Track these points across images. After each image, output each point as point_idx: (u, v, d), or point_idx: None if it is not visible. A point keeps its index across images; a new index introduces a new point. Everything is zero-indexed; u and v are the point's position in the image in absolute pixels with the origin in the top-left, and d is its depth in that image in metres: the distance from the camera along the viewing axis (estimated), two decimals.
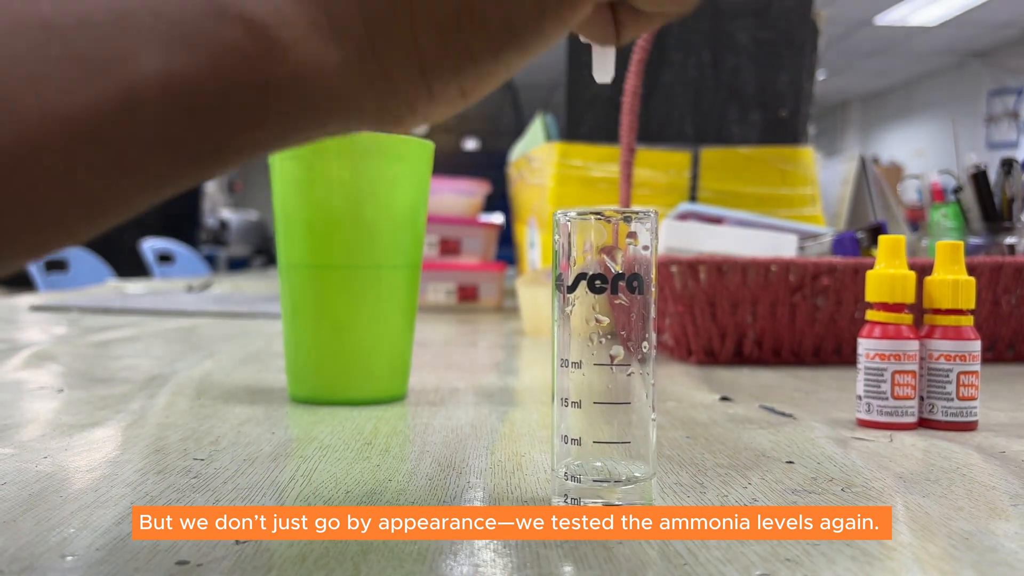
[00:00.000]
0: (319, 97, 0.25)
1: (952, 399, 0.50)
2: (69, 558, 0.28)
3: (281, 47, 0.24)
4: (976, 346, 0.51)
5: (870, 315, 0.52)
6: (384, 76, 0.25)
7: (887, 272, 0.51)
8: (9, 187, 0.22)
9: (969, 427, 0.50)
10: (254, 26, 0.24)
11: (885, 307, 0.51)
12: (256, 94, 0.24)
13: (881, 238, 0.52)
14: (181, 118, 0.23)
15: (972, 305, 0.51)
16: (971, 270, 0.78)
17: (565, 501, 0.33)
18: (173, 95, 0.23)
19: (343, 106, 0.26)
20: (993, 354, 0.82)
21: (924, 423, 0.51)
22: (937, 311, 0.51)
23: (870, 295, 0.52)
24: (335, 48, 0.25)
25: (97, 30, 0.23)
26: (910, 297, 0.51)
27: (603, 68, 0.32)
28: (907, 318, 0.51)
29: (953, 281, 0.51)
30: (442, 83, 0.26)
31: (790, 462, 0.42)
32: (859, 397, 0.51)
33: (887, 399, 0.50)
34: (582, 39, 0.32)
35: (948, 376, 0.50)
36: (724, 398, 0.61)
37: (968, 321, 0.51)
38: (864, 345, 0.51)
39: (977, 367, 0.50)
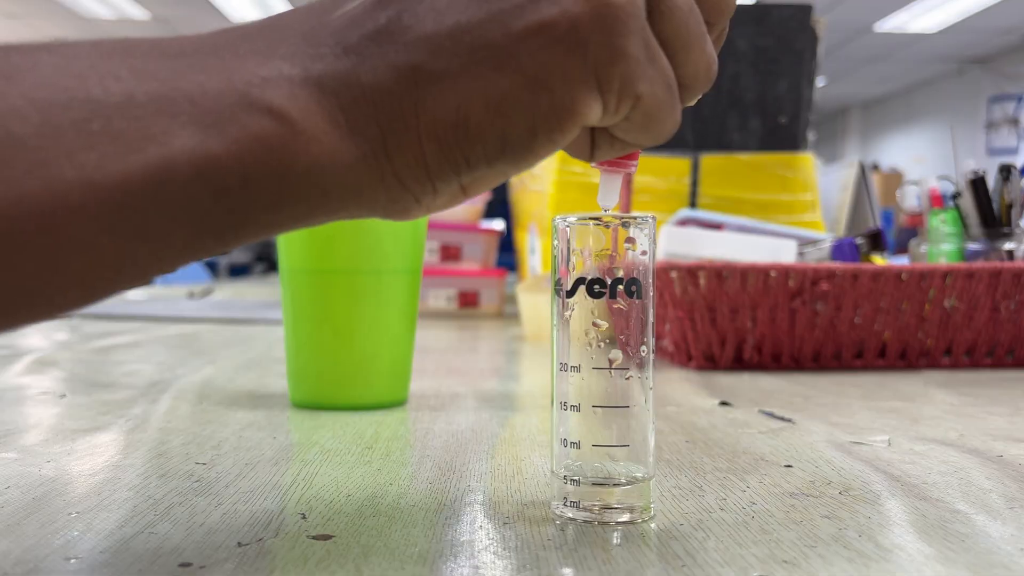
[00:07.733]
0: (334, 187, 0.27)
1: None
2: (73, 561, 0.29)
3: (303, 139, 0.26)
4: None
5: None
6: (394, 174, 0.27)
7: None
8: (41, 245, 0.24)
9: None
10: (281, 118, 0.25)
11: None
12: (277, 179, 0.26)
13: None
14: (206, 195, 0.25)
15: None
16: (970, 275, 0.79)
17: (565, 504, 0.34)
18: (201, 174, 0.25)
19: (356, 197, 0.28)
20: (993, 359, 0.82)
21: None
22: None
23: None
24: (352, 146, 0.27)
25: (137, 110, 0.25)
26: None
27: (609, 194, 0.33)
28: None
29: None
30: (445, 182, 0.28)
31: (788, 466, 0.43)
32: None
33: None
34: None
35: None
36: (724, 403, 0.61)
37: None
38: None
39: None
